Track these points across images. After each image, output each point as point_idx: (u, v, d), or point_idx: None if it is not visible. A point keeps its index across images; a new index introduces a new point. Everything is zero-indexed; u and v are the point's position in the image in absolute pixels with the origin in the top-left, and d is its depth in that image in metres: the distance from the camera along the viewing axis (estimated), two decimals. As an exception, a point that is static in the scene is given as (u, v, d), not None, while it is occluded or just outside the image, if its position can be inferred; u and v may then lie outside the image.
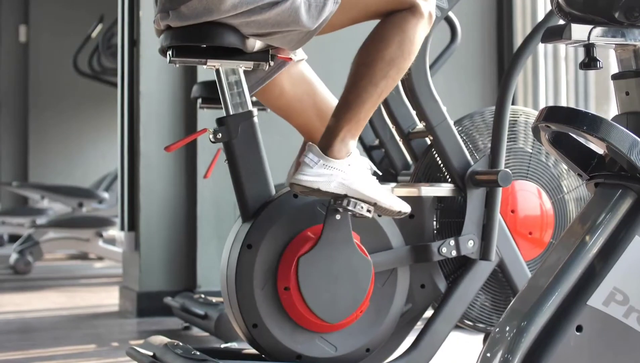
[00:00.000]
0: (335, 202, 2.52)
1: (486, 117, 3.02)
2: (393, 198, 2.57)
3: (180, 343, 2.65)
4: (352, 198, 2.50)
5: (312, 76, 2.80)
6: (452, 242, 2.81)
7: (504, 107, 2.82)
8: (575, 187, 3.10)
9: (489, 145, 2.89)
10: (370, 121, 3.75)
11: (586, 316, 1.86)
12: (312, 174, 2.47)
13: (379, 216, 2.62)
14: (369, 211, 2.53)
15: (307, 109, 2.79)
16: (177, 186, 4.76)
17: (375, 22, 2.60)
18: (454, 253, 2.81)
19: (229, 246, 2.64)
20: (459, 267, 2.90)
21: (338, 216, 2.56)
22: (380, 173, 2.64)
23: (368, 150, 3.82)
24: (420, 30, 2.54)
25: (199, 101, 3.68)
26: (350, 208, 2.50)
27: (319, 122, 2.77)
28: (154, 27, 2.62)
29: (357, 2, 2.54)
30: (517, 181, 3.01)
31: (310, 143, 2.51)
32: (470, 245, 2.83)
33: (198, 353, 2.57)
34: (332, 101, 2.80)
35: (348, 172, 2.49)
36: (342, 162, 2.49)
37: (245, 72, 2.63)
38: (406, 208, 2.58)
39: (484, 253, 2.83)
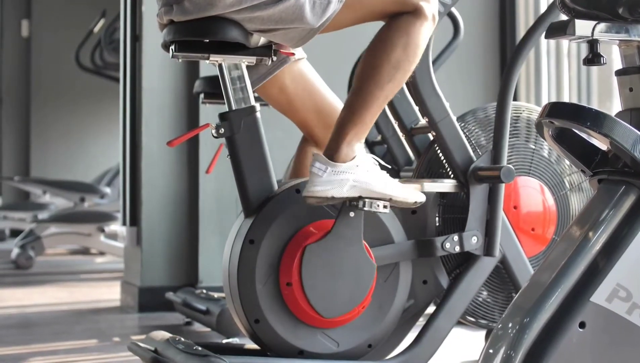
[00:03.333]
0: (350, 204, 2.53)
1: (489, 113, 3.02)
2: (407, 189, 2.57)
3: (182, 339, 2.65)
4: (367, 197, 2.51)
5: (313, 74, 2.80)
6: (455, 238, 2.80)
7: (505, 103, 2.81)
8: (578, 183, 3.09)
9: (492, 141, 2.88)
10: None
11: (589, 312, 1.86)
12: (322, 183, 2.47)
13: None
14: (385, 206, 2.53)
15: (306, 106, 2.79)
16: (179, 181, 4.76)
17: (380, 23, 2.60)
18: (457, 248, 2.81)
19: (231, 241, 2.64)
20: (461, 263, 2.90)
21: (352, 214, 2.56)
22: (389, 166, 2.63)
23: (370, 146, 3.82)
24: (424, 33, 2.55)
25: (202, 96, 3.68)
26: (366, 208, 2.51)
27: (318, 120, 2.78)
28: (157, 21, 2.61)
29: (361, 2, 2.54)
30: (519, 177, 3.00)
31: (316, 151, 2.52)
32: (474, 241, 2.82)
33: (200, 348, 2.57)
34: (332, 99, 2.80)
35: (358, 173, 2.49)
36: (350, 164, 2.49)
37: (247, 67, 2.62)
38: (422, 198, 2.59)
39: (488, 249, 2.83)
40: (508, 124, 2.83)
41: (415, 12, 2.54)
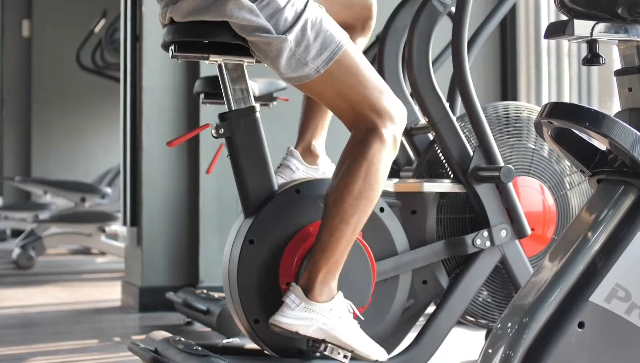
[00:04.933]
0: (312, 344, 2.51)
1: (489, 112, 3.02)
2: (371, 345, 2.54)
3: (182, 339, 2.65)
4: (330, 343, 2.49)
5: None
6: (485, 233, 2.83)
7: (471, 101, 2.82)
8: (577, 183, 3.09)
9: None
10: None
11: (588, 312, 1.86)
12: (291, 316, 2.46)
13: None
14: (345, 357, 2.51)
15: (330, 5, 2.68)
16: (180, 181, 4.76)
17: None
18: (488, 244, 2.84)
19: (231, 241, 2.64)
20: (461, 263, 2.90)
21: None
22: (362, 318, 2.61)
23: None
24: (384, 157, 2.50)
25: (202, 96, 3.68)
26: (326, 353, 2.49)
27: (344, 11, 2.73)
28: (159, 20, 2.62)
29: (335, 84, 2.49)
30: (519, 177, 3.00)
31: (294, 283, 2.50)
32: (503, 234, 2.85)
33: (200, 348, 2.57)
34: None
35: (328, 317, 2.47)
36: (324, 306, 2.47)
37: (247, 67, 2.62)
38: (383, 356, 2.55)
39: (520, 232, 2.86)
40: (484, 120, 2.84)
41: (376, 134, 2.48)
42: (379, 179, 2.49)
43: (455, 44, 2.83)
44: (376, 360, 2.54)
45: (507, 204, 2.86)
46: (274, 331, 2.50)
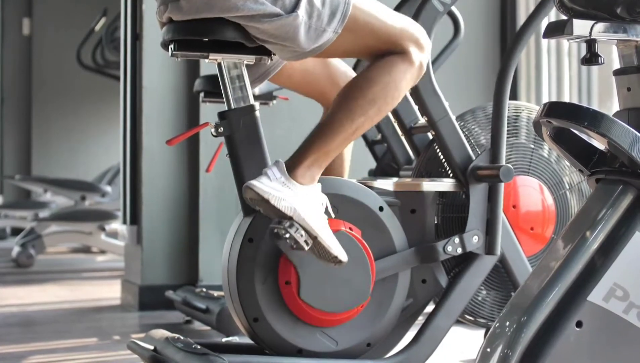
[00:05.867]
0: (278, 222, 2.49)
1: (488, 112, 3.02)
2: (335, 241, 2.51)
3: (182, 337, 2.66)
4: (297, 222, 2.45)
5: None
6: (456, 240, 2.81)
7: (502, 101, 2.82)
8: (577, 183, 3.10)
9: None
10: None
11: (586, 312, 1.86)
12: (268, 185, 2.43)
13: (315, 254, 2.52)
14: (306, 242, 2.46)
15: (320, 79, 2.83)
16: (180, 180, 4.76)
17: None
18: (459, 250, 2.81)
19: (230, 240, 2.65)
20: (460, 262, 2.90)
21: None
22: (333, 215, 2.58)
23: (370, 144, 3.82)
24: (408, 78, 2.55)
25: (202, 94, 3.68)
26: (291, 231, 2.44)
27: (332, 86, 2.82)
28: (157, 19, 2.62)
29: (356, 37, 2.55)
30: (519, 177, 3.00)
31: (279, 159, 2.50)
32: (475, 240, 2.83)
33: (199, 347, 2.57)
34: (337, 62, 2.84)
35: (302, 198, 2.46)
36: (302, 188, 2.47)
37: (247, 66, 2.62)
38: (344, 257, 2.50)
39: (489, 248, 2.83)
40: (505, 123, 2.84)
41: (403, 55, 2.55)
42: (396, 96, 2.55)
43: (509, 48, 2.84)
44: (335, 257, 2.48)
45: (491, 214, 2.84)
46: (273, 331, 2.50)
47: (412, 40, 2.57)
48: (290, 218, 2.44)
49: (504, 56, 2.83)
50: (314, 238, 2.46)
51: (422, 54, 2.59)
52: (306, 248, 2.46)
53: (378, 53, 2.59)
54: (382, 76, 2.53)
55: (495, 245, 2.83)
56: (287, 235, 2.45)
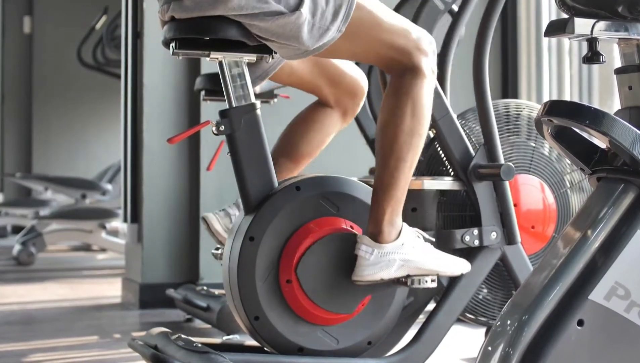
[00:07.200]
0: (399, 282, 2.55)
1: (489, 111, 3.02)
2: (452, 261, 2.60)
3: (182, 336, 2.65)
4: (415, 275, 2.53)
5: None
6: (475, 232, 2.83)
7: (484, 98, 2.82)
8: (578, 181, 3.10)
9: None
10: (374, 114, 3.75)
11: (587, 310, 1.86)
12: (370, 266, 2.49)
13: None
14: (433, 280, 2.56)
15: (317, 77, 2.84)
16: (180, 178, 4.76)
17: None
18: (476, 242, 2.83)
19: (231, 238, 2.64)
20: (461, 261, 2.90)
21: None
22: (432, 240, 2.65)
23: (371, 143, 3.82)
24: (427, 91, 2.56)
25: (202, 93, 3.68)
26: (414, 286, 2.54)
27: (330, 87, 2.84)
28: (158, 17, 2.62)
29: (359, 39, 2.54)
30: (520, 175, 3.01)
31: (360, 234, 2.54)
32: (493, 236, 2.84)
33: (200, 345, 2.57)
34: (341, 62, 2.84)
35: (404, 251, 2.51)
36: (396, 244, 2.51)
37: (248, 64, 2.62)
38: (466, 267, 2.63)
39: (510, 238, 2.86)
40: (493, 117, 2.84)
41: (414, 71, 2.54)
42: (426, 114, 2.55)
43: (478, 44, 2.83)
44: (461, 274, 2.62)
45: (502, 208, 2.85)
46: (274, 330, 2.50)
47: (418, 49, 2.55)
48: (408, 275, 2.52)
49: (476, 48, 2.83)
50: (436, 274, 2.56)
51: (429, 61, 2.57)
52: (435, 285, 2.56)
53: (383, 61, 2.58)
54: (406, 104, 2.52)
55: (514, 234, 2.86)
56: (414, 287, 2.54)
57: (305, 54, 2.52)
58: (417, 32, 2.57)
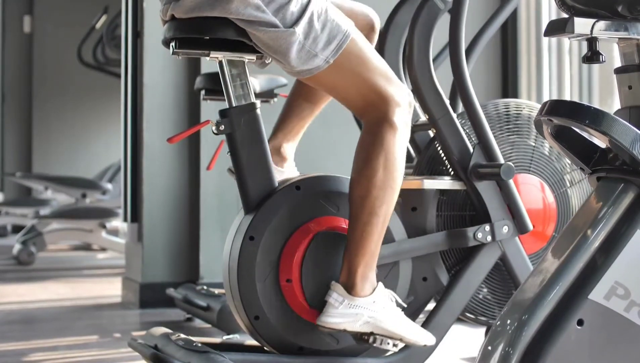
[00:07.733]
0: (360, 337, 2.54)
1: (489, 110, 3.02)
2: (418, 330, 2.60)
3: (182, 335, 2.66)
4: (378, 334, 2.52)
5: None
6: (487, 228, 2.83)
7: (469, 99, 2.82)
8: (578, 181, 3.10)
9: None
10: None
11: (587, 310, 1.86)
12: (337, 315, 2.50)
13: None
14: (395, 345, 2.56)
15: None
16: (180, 177, 4.76)
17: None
18: (489, 238, 2.84)
19: (231, 238, 2.65)
20: (461, 260, 2.90)
21: None
22: (405, 305, 2.65)
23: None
24: (399, 144, 2.53)
25: (203, 92, 3.68)
26: (376, 344, 2.54)
27: None
28: (160, 17, 2.62)
29: (344, 73, 2.51)
30: (520, 175, 3.00)
31: (334, 282, 2.53)
32: (505, 230, 2.85)
33: (200, 345, 2.58)
34: (345, 2, 2.76)
35: (373, 309, 2.51)
36: (367, 300, 2.51)
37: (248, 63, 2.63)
38: (431, 340, 2.61)
39: (521, 228, 2.86)
40: (482, 115, 2.84)
41: (389, 122, 2.52)
42: (398, 167, 2.53)
43: (452, 42, 2.83)
44: (424, 345, 2.60)
45: (508, 200, 2.86)
46: (274, 329, 2.50)
47: (392, 101, 2.52)
48: (371, 333, 2.52)
49: (451, 45, 2.82)
50: (400, 339, 2.55)
51: (403, 113, 2.54)
52: (396, 350, 2.58)
53: (360, 103, 2.55)
54: (379, 155, 2.51)
55: (526, 223, 2.87)
56: (375, 345, 2.54)
57: (291, 74, 2.52)
58: (396, 84, 2.56)
